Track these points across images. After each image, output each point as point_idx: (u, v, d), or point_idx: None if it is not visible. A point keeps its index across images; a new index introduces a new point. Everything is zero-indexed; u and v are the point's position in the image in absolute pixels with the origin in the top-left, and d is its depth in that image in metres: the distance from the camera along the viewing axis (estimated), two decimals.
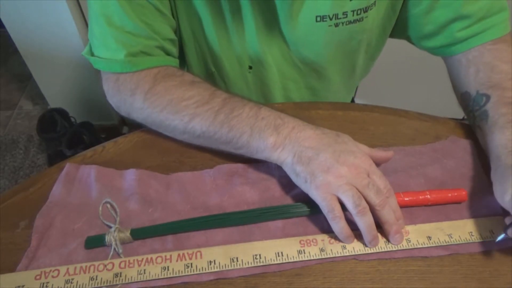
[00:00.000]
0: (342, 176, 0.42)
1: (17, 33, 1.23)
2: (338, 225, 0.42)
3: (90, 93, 1.43)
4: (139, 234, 0.44)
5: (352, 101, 0.89)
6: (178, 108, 0.49)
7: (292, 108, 0.58)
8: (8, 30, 1.21)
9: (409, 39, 0.61)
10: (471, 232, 0.44)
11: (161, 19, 0.53)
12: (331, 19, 0.53)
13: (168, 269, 0.41)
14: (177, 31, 0.58)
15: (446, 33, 0.55)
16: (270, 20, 0.55)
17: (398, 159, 0.51)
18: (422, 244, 0.43)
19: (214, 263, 0.41)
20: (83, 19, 1.24)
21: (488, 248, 0.43)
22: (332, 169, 0.43)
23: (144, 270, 0.41)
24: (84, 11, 1.22)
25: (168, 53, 0.56)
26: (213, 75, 0.64)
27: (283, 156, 0.46)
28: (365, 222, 0.42)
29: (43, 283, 0.40)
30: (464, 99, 0.55)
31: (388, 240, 0.43)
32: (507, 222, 0.41)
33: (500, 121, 0.47)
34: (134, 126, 0.55)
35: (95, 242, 0.43)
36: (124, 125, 1.60)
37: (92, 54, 0.53)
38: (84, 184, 0.49)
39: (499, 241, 0.42)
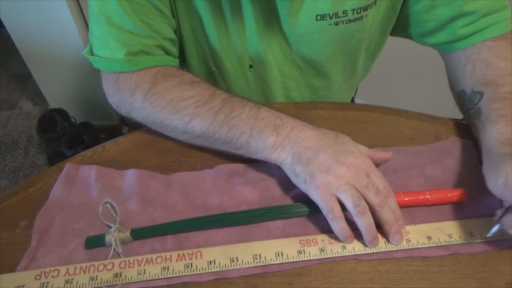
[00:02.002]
0: (342, 176, 0.42)
1: (17, 33, 1.23)
2: (338, 225, 0.42)
3: (90, 93, 1.43)
4: (139, 234, 0.44)
5: (352, 101, 0.89)
6: (178, 108, 0.49)
7: (292, 108, 0.58)
8: (8, 30, 1.21)
9: (410, 37, 0.61)
10: (471, 232, 0.44)
11: (161, 19, 0.53)
12: (331, 18, 0.53)
13: (168, 269, 0.41)
14: (177, 31, 0.58)
15: (449, 30, 0.55)
16: (270, 19, 0.55)
17: (398, 159, 0.51)
18: (422, 244, 0.43)
19: (214, 263, 0.41)
20: (83, 19, 1.24)
21: (488, 248, 0.43)
22: (331, 169, 0.43)
23: (144, 270, 0.41)
24: (84, 11, 1.22)
25: (168, 53, 0.56)
26: (214, 74, 0.64)
27: (283, 157, 0.46)
28: (364, 222, 0.42)
29: (43, 283, 0.40)
30: (460, 98, 0.55)
31: (388, 240, 0.43)
32: (499, 214, 0.41)
33: (492, 116, 0.47)
34: (134, 126, 0.55)
35: (95, 242, 0.43)
36: (124, 125, 1.60)
37: (92, 54, 0.53)
38: (84, 184, 0.49)
39: (492, 234, 0.41)
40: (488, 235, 0.42)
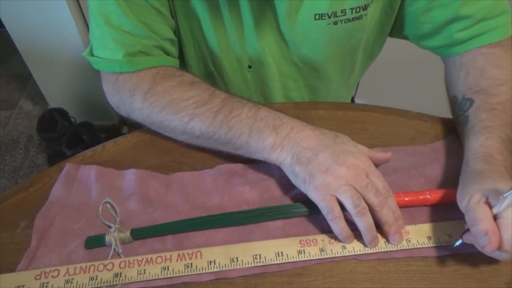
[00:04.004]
0: (341, 176, 0.42)
1: (17, 33, 1.23)
2: (338, 225, 0.42)
3: (90, 93, 1.43)
4: (139, 234, 0.44)
5: (352, 101, 0.89)
6: (177, 109, 0.49)
7: (292, 108, 0.58)
8: (8, 30, 1.21)
9: (408, 39, 0.61)
10: None
11: (160, 19, 0.53)
12: (329, 17, 0.53)
13: (168, 269, 0.41)
14: (176, 31, 0.58)
15: (445, 34, 0.55)
16: (269, 19, 0.55)
17: (398, 159, 0.51)
18: (422, 244, 0.43)
19: (214, 263, 0.41)
20: (83, 19, 1.24)
21: None
22: (331, 169, 0.43)
23: (144, 270, 0.41)
24: (84, 11, 1.22)
25: (167, 53, 0.56)
26: (213, 75, 0.64)
27: (282, 157, 0.46)
28: (364, 223, 0.42)
29: (43, 283, 0.40)
30: (451, 103, 0.55)
31: (387, 241, 0.43)
32: (466, 227, 0.40)
33: (477, 127, 0.47)
34: (134, 126, 0.55)
35: (95, 242, 0.43)
36: (124, 125, 1.60)
37: (92, 55, 0.53)
38: (84, 184, 0.49)
39: (456, 246, 0.41)
40: (454, 246, 0.42)
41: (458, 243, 0.41)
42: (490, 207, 0.38)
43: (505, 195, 0.36)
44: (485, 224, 0.37)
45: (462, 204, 0.41)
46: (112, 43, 0.51)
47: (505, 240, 0.36)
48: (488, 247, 0.37)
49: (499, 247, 0.37)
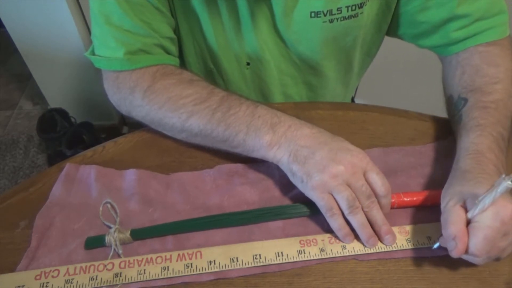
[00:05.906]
0: (338, 175, 0.42)
1: (17, 33, 1.23)
2: (336, 222, 0.42)
3: (90, 93, 1.43)
4: (139, 234, 0.44)
5: (352, 101, 0.89)
6: (176, 106, 0.49)
7: (292, 108, 0.58)
8: (8, 30, 1.21)
9: (405, 38, 0.61)
10: None
11: (160, 18, 0.53)
12: (325, 15, 0.53)
13: (168, 269, 0.41)
14: (176, 30, 0.58)
15: (442, 33, 0.54)
16: (266, 17, 0.55)
17: (398, 159, 0.51)
18: (422, 244, 0.43)
19: (214, 263, 0.41)
20: (83, 19, 1.24)
21: None
22: (328, 167, 0.42)
23: (144, 270, 0.41)
24: (84, 11, 1.22)
25: (167, 52, 0.56)
26: (212, 72, 0.64)
27: (279, 155, 0.46)
28: (357, 221, 0.42)
29: (43, 283, 0.40)
30: (447, 103, 0.55)
31: (381, 241, 0.43)
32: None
33: (469, 125, 0.47)
34: (134, 126, 0.55)
35: (95, 243, 0.43)
36: (124, 125, 1.60)
37: (94, 54, 0.54)
38: (84, 184, 0.49)
39: (435, 248, 0.42)
40: (433, 248, 0.42)
41: (435, 245, 0.42)
42: (467, 211, 0.38)
43: (479, 199, 0.37)
44: (455, 228, 0.38)
45: (442, 204, 0.41)
46: (112, 42, 0.51)
47: (473, 245, 0.37)
48: (453, 251, 0.37)
49: (466, 251, 0.37)
